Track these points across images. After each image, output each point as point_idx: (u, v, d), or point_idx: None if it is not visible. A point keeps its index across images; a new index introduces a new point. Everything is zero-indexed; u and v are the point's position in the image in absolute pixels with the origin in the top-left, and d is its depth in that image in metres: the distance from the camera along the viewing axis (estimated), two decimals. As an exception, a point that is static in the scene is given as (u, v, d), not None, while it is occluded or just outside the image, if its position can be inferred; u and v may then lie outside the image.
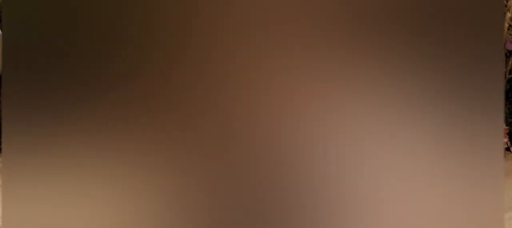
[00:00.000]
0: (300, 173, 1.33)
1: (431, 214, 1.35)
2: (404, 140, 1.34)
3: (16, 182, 1.32)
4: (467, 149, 1.34)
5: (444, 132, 1.34)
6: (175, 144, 1.33)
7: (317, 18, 1.32)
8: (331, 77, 1.33)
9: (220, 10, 1.32)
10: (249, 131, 1.33)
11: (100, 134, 1.32)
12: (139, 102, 1.32)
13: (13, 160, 1.32)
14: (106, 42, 1.32)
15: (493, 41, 1.34)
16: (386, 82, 1.33)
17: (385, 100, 1.33)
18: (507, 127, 6.29)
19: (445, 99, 1.34)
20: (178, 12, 1.32)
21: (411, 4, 1.33)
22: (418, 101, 1.34)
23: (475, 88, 1.34)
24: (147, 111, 1.32)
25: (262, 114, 1.33)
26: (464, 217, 1.35)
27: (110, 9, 1.32)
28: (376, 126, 1.33)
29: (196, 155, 1.33)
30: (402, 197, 1.34)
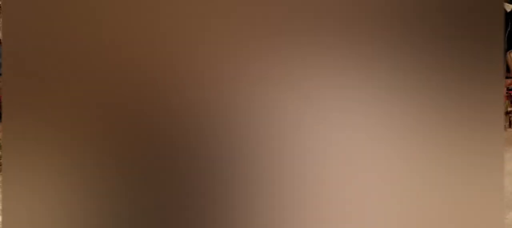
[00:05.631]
0: (298, 173, 1.33)
1: (431, 213, 1.35)
2: (403, 139, 1.34)
3: (16, 182, 1.32)
4: (466, 148, 1.34)
5: (443, 131, 1.34)
6: (176, 144, 1.33)
7: (315, 17, 1.32)
8: (329, 76, 1.33)
9: (217, 9, 1.32)
10: (247, 131, 1.33)
11: (100, 134, 1.32)
12: (140, 102, 1.32)
13: (13, 160, 1.32)
14: (106, 41, 1.32)
15: (493, 40, 1.34)
16: (385, 81, 1.33)
17: (384, 99, 1.33)
18: None
19: (444, 98, 1.34)
20: (176, 12, 1.32)
21: (411, 3, 1.33)
22: (417, 100, 1.34)
23: (475, 87, 1.34)
24: (149, 111, 1.32)
25: (260, 113, 1.33)
26: (464, 216, 1.35)
27: (110, 8, 1.32)
28: (374, 125, 1.33)
29: (196, 155, 1.33)
30: (402, 196, 1.34)
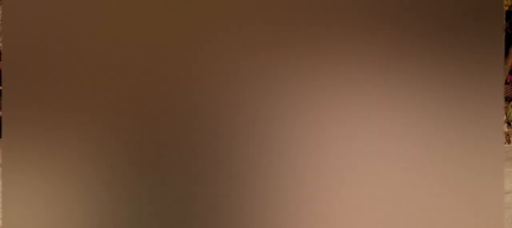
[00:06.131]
0: (297, 173, 1.33)
1: (431, 214, 1.35)
2: (403, 139, 1.34)
3: (16, 182, 1.32)
4: (466, 148, 1.35)
5: (443, 131, 1.34)
6: (174, 144, 1.33)
7: (313, 17, 1.32)
8: (329, 76, 1.33)
9: (217, 8, 1.32)
10: (243, 132, 1.33)
11: (100, 133, 1.32)
12: (139, 102, 1.32)
13: (13, 160, 1.32)
14: (107, 41, 1.32)
15: (493, 40, 1.34)
16: (385, 81, 1.33)
17: (383, 100, 1.33)
18: None
19: (444, 98, 1.34)
20: (175, 12, 1.32)
21: (411, 4, 1.33)
22: (417, 101, 1.34)
23: (475, 88, 1.34)
24: (147, 111, 1.32)
25: (260, 114, 1.33)
26: (464, 216, 1.35)
27: (111, 8, 1.32)
28: (374, 126, 1.33)
29: (195, 155, 1.33)
30: (402, 196, 1.35)
